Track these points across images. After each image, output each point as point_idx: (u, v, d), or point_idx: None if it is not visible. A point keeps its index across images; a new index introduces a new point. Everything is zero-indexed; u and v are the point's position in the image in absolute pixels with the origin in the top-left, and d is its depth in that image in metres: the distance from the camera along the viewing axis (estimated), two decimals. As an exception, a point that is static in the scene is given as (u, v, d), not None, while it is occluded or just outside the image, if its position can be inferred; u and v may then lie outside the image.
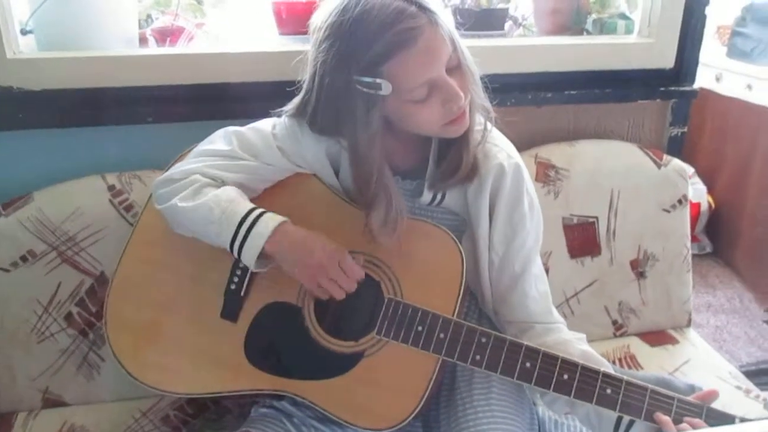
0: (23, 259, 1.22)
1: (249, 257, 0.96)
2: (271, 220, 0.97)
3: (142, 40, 1.46)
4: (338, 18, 0.87)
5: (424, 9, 0.87)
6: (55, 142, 1.30)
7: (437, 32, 0.88)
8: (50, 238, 1.23)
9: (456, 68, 0.93)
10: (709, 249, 2.76)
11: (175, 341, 1.05)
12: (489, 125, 1.02)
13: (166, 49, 1.43)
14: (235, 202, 0.98)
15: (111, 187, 1.26)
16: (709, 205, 2.70)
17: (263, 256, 0.97)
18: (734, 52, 2.60)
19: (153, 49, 1.46)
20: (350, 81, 0.88)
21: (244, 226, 0.96)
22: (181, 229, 1.03)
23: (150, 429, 1.23)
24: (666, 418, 0.88)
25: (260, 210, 0.98)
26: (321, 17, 0.91)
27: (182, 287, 1.07)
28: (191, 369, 1.04)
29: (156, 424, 1.24)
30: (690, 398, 0.91)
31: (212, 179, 1.02)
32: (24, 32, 1.35)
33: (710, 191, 2.72)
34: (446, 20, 0.90)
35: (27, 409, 1.27)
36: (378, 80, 0.87)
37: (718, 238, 2.76)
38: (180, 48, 1.43)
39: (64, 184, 1.27)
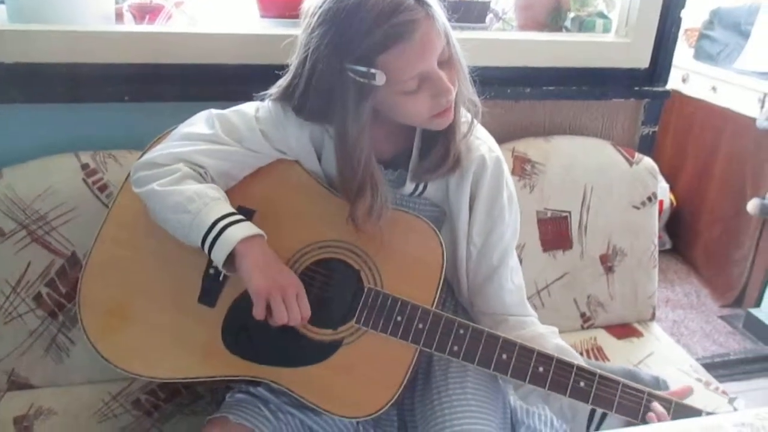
0: (-9, 237, 1.19)
1: (220, 253, 0.94)
2: (250, 228, 0.96)
3: (118, 16, 1.42)
4: (334, 5, 0.86)
5: (421, 2, 0.87)
6: (27, 118, 1.26)
7: (433, 26, 0.88)
8: (20, 216, 1.20)
9: (447, 61, 0.93)
10: (668, 245, 2.84)
11: (151, 325, 1.04)
12: (476, 118, 1.03)
13: (146, 27, 1.40)
14: (220, 201, 0.97)
15: (85, 166, 1.23)
16: (671, 203, 2.78)
17: (231, 259, 0.95)
18: (701, 54, 2.67)
19: (132, 26, 1.42)
20: (343, 69, 0.87)
21: (222, 223, 0.94)
22: (154, 216, 1.01)
23: (120, 413, 1.21)
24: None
25: (242, 217, 0.98)
26: (315, 2, 0.90)
27: (159, 270, 1.05)
28: (166, 353, 1.02)
29: (126, 407, 1.22)
30: (660, 392, 0.94)
31: (195, 166, 1.00)
32: (-5, 2, 1.31)
33: (672, 189, 2.80)
34: (441, 13, 0.90)
35: (-9, 390, 1.24)
36: (372, 70, 0.86)
37: (678, 235, 2.85)
38: (160, 26, 1.40)
39: (35, 161, 1.23)
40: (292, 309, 0.95)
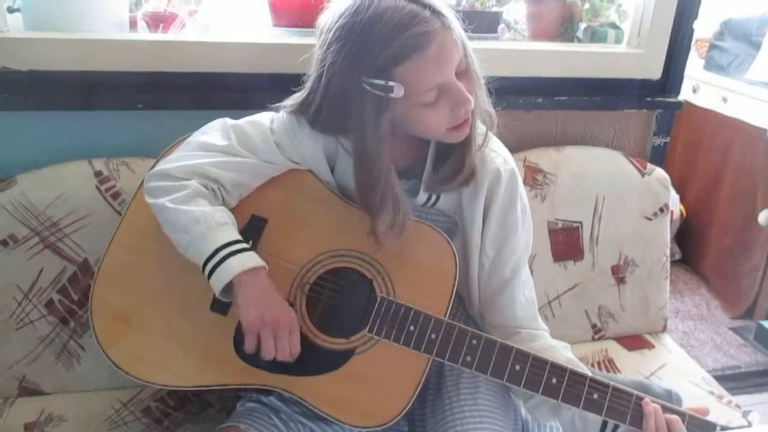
0: (4, 243, 1.20)
1: (218, 282, 0.94)
2: (251, 259, 0.95)
3: (132, 24, 1.43)
4: (350, 20, 0.87)
5: (437, 13, 0.87)
6: (41, 125, 1.27)
7: (450, 36, 0.88)
8: (33, 222, 1.20)
9: (464, 72, 0.93)
10: (678, 256, 2.83)
11: (162, 332, 1.03)
12: (491, 131, 1.03)
13: (160, 36, 1.41)
14: (224, 227, 0.97)
15: (98, 174, 1.24)
16: (681, 214, 2.77)
17: (229, 288, 0.95)
18: (711, 65, 2.66)
19: (146, 34, 1.43)
20: (360, 83, 0.87)
21: (222, 252, 0.94)
22: (163, 228, 1.01)
23: (131, 420, 1.21)
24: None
25: (246, 246, 0.97)
26: (330, 19, 0.90)
27: (171, 279, 1.05)
28: (178, 361, 1.02)
29: (137, 415, 1.22)
30: (673, 406, 0.94)
31: (209, 180, 1.00)
32: (11, 10, 1.32)
33: (682, 200, 2.79)
34: (457, 24, 0.90)
35: (2, 397, 1.24)
36: (390, 83, 0.86)
37: (687, 245, 2.83)
38: (174, 35, 1.41)
39: (49, 168, 1.24)
40: (281, 345, 0.95)
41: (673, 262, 2.80)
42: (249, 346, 0.95)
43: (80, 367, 1.26)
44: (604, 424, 0.96)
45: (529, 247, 1.10)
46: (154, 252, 1.06)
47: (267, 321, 0.94)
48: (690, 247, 2.82)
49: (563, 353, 1.04)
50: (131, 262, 1.07)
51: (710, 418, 0.95)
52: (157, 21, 1.42)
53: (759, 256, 2.43)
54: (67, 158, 1.25)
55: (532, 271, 1.14)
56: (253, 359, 1.00)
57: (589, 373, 0.95)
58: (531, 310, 1.10)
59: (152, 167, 1.05)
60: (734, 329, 2.44)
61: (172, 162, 1.02)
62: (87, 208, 1.22)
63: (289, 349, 0.95)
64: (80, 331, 1.25)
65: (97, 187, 1.23)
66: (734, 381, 2.13)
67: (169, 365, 1.02)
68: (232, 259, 0.94)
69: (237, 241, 0.96)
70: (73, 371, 1.26)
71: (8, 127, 1.26)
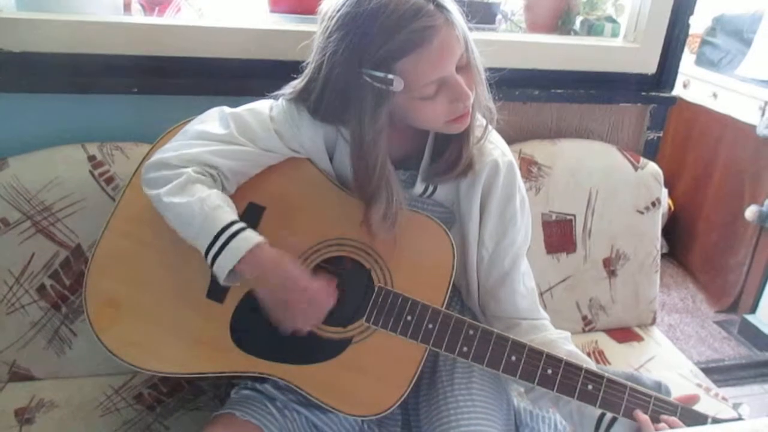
0: (-5, 227, 1.18)
1: (220, 271, 0.94)
2: (246, 241, 0.93)
3: (126, 7, 1.41)
4: (353, 9, 0.85)
5: (441, 7, 0.86)
6: (33, 107, 1.25)
7: (452, 31, 0.87)
8: (25, 206, 1.19)
9: (465, 67, 0.92)
10: (665, 249, 2.85)
11: (158, 319, 1.03)
12: (491, 124, 1.03)
13: (155, 19, 1.39)
14: (220, 209, 0.95)
15: (91, 158, 1.22)
16: (669, 207, 2.79)
17: (234, 272, 0.95)
18: (702, 60, 2.68)
19: (141, 18, 1.41)
20: (360, 74, 0.86)
21: (221, 239, 0.93)
22: (163, 218, 1.01)
23: (123, 407, 1.21)
24: (645, 417, 0.91)
25: (240, 225, 0.95)
26: (333, 6, 0.89)
27: (167, 265, 1.05)
28: (174, 348, 1.02)
29: (129, 401, 1.22)
30: (666, 397, 0.95)
31: (207, 167, 0.99)
32: (3, -10, 1.29)
33: (670, 194, 2.81)
34: (461, 19, 0.89)
35: (-8, 381, 1.23)
36: (390, 76, 0.85)
37: (674, 239, 2.86)
38: (169, 19, 1.39)
39: (41, 151, 1.22)
40: (311, 316, 0.97)
41: (660, 256, 2.83)
42: (281, 328, 0.97)
43: (72, 352, 1.25)
44: (600, 419, 0.97)
45: (528, 239, 1.11)
46: (149, 238, 1.06)
47: (282, 304, 0.95)
48: (677, 241, 2.85)
49: (564, 347, 1.04)
50: (126, 248, 1.06)
51: (699, 409, 0.96)
52: (153, 4, 1.40)
53: (745, 251, 2.46)
54: (61, 142, 1.24)
55: (525, 262, 1.15)
56: (251, 347, 1.01)
57: (584, 365, 0.96)
58: (532, 300, 1.10)
59: (147, 155, 1.04)
60: (719, 323, 2.48)
61: (170, 151, 1.00)
62: (80, 193, 1.21)
63: (309, 323, 0.97)
64: (72, 317, 1.24)
65: (90, 172, 1.21)
66: (718, 374, 2.16)
67: (163, 351, 1.02)
68: (228, 248, 0.92)
69: (228, 226, 0.94)
70: (64, 357, 1.25)
71: (0, 109, 1.24)
